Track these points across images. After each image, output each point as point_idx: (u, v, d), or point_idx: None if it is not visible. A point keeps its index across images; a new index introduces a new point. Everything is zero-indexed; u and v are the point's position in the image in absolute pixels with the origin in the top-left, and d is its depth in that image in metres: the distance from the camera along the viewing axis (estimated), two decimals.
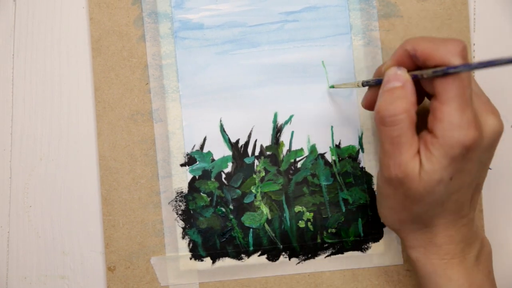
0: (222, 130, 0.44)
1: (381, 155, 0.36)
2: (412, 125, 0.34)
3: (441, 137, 0.33)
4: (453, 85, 0.33)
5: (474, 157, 0.34)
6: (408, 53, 0.35)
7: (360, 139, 0.44)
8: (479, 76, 0.44)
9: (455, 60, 0.33)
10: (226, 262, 0.44)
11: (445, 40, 0.34)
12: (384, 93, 0.35)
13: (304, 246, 0.44)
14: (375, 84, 0.39)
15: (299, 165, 0.44)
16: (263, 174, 0.44)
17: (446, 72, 0.33)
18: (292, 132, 0.44)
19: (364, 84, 0.40)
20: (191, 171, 0.44)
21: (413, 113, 0.34)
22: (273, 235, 0.44)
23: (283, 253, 0.44)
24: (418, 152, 0.34)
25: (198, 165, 0.44)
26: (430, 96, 0.35)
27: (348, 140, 0.44)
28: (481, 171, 0.37)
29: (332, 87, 0.44)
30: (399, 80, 0.35)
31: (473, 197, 0.37)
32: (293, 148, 0.44)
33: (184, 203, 0.44)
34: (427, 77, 0.34)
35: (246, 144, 0.44)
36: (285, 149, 0.44)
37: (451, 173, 0.34)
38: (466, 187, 0.36)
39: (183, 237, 0.44)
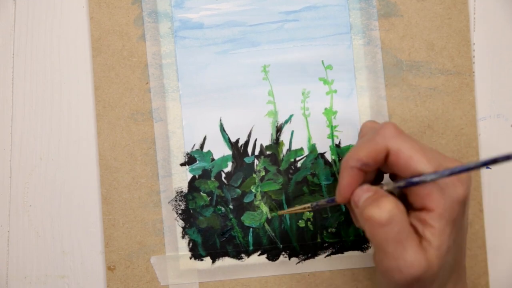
0: (222, 130, 0.44)
1: (384, 262, 0.33)
2: (405, 216, 0.33)
3: (437, 207, 0.33)
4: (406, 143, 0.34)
5: (467, 208, 0.34)
6: (356, 169, 0.35)
7: None
8: (480, 75, 0.44)
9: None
10: (226, 261, 0.44)
11: (370, 141, 0.34)
12: (364, 208, 0.34)
13: (304, 246, 0.44)
14: (326, 205, 0.39)
15: (299, 164, 0.44)
16: (263, 173, 0.44)
17: (410, 183, 0.33)
18: (292, 132, 0.44)
19: (313, 206, 0.39)
20: (191, 171, 0.44)
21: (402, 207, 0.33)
22: (273, 234, 0.44)
23: (283, 253, 0.44)
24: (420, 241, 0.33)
25: (198, 164, 0.44)
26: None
27: (348, 139, 0.44)
28: (467, 219, 0.36)
29: (276, 215, 0.44)
30: (369, 192, 0.34)
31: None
32: (293, 148, 0.44)
33: (184, 203, 0.44)
34: (392, 188, 0.34)
35: (246, 143, 0.44)
36: (285, 149, 0.44)
37: (454, 236, 0.34)
38: (463, 241, 0.35)
39: (183, 237, 0.44)
